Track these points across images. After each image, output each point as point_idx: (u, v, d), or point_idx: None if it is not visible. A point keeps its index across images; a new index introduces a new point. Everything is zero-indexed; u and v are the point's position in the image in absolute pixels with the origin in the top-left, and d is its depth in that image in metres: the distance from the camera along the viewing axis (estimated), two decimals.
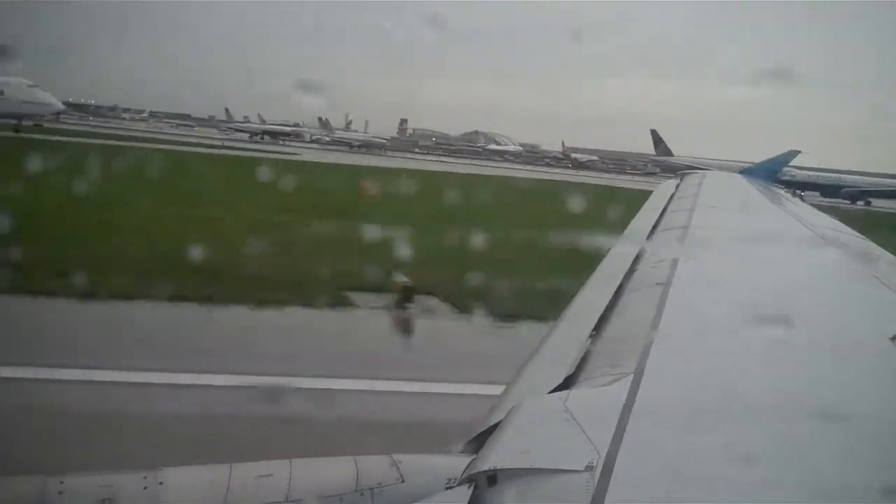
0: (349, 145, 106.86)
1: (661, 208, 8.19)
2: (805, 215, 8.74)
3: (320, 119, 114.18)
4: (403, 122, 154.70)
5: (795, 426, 2.38)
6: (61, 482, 2.46)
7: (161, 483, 2.47)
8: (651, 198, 10.23)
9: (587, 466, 2.03)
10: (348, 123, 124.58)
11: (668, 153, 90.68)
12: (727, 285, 4.38)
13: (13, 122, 61.57)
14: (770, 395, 2.66)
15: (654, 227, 6.81)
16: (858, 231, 7.58)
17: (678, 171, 15.38)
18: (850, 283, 4.84)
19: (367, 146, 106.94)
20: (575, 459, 2.07)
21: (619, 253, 5.98)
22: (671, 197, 9.46)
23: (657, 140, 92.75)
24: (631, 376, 2.68)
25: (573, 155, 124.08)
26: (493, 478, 2.13)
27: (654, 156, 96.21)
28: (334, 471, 2.60)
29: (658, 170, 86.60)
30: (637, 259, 5.22)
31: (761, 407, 2.53)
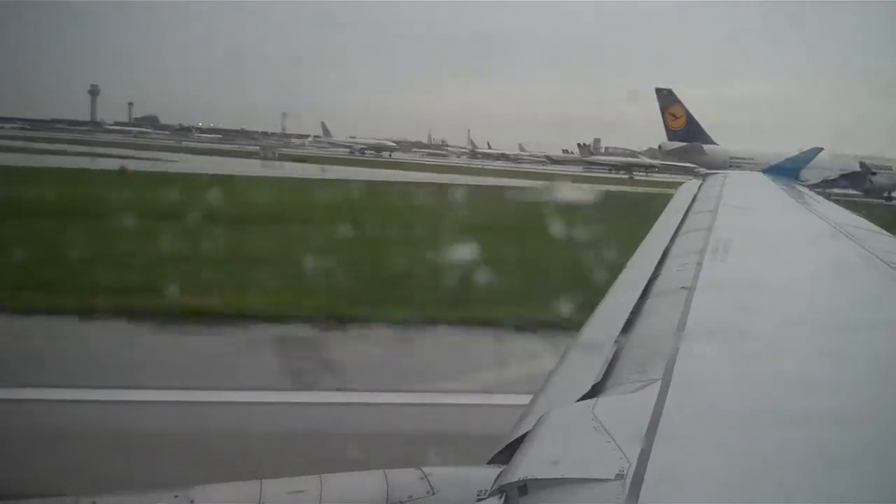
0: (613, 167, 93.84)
1: (685, 209, 8.13)
2: (829, 213, 8.64)
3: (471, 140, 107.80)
4: (597, 140, 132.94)
5: (831, 434, 2.34)
6: (94, 502, 2.49)
7: (192, 501, 2.49)
8: (674, 198, 10.16)
9: (618, 475, 2.02)
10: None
11: None
12: (753, 287, 4.33)
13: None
14: (802, 401, 2.62)
15: (678, 228, 6.76)
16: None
17: None
18: (882, 282, 4.76)
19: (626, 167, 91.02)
20: (605, 468, 2.06)
21: (642, 256, 5.94)
22: (694, 197, 9.39)
23: None
24: (659, 382, 2.66)
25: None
26: (523, 488, 2.12)
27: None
28: (365, 485, 2.61)
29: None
30: (661, 262, 5.18)
31: (793, 413, 2.50)
